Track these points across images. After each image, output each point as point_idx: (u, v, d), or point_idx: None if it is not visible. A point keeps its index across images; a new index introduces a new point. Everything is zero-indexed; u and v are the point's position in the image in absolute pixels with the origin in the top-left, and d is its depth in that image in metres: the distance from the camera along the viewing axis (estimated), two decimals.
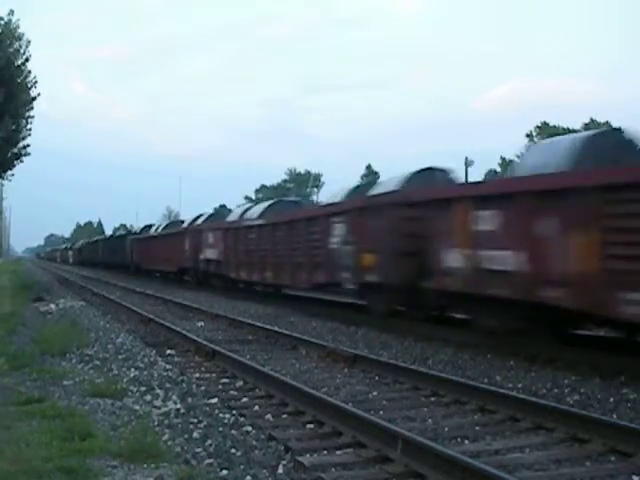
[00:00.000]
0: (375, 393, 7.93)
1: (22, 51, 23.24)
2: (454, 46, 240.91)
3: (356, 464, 5.31)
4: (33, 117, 24.41)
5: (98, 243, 60.91)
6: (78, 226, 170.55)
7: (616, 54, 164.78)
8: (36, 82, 23.95)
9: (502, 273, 9.97)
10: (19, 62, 23.14)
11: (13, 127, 23.41)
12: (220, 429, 6.22)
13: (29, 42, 23.33)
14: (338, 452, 5.62)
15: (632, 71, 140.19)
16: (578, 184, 8.80)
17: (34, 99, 24.05)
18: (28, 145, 24.93)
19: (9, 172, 26.54)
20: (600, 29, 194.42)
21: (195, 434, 6.01)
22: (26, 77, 23.60)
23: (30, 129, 24.50)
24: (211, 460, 5.30)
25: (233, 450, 5.57)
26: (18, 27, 23.03)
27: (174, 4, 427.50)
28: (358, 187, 18.21)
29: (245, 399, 7.66)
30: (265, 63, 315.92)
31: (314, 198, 71.99)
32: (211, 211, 36.24)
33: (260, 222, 21.25)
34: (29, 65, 23.53)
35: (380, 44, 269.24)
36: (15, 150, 24.57)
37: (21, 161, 25.25)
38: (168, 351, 11.01)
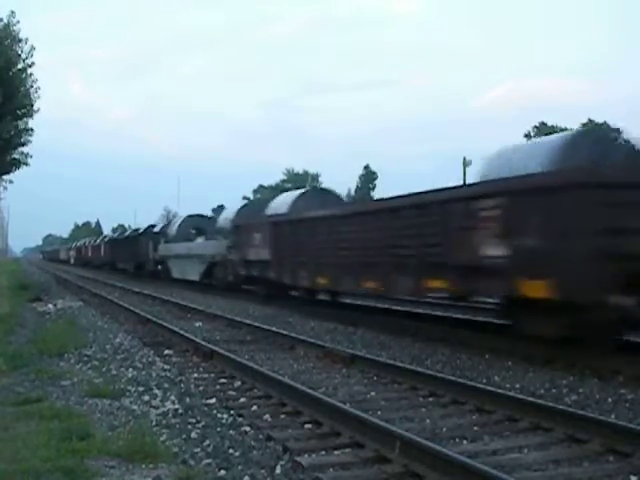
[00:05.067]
0: (373, 393, 7.92)
1: (25, 56, 23.01)
2: (453, 47, 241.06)
3: (354, 464, 5.31)
4: (32, 130, 24.19)
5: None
6: (76, 226, 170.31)
7: (613, 54, 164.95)
8: (39, 87, 23.72)
9: None
10: (20, 65, 22.90)
11: (12, 132, 23.25)
12: (218, 429, 6.22)
13: (33, 48, 23.07)
14: (336, 452, 5.62)
15: (629, 70, 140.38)
16: None
17: (33, 103, 23.78)
18: (30, 155, 24.74)
19: (6, 177, 26.49)
20: (599, 29, 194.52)
21: (193, 434, 6.01)
22: (32, 83, 23.35)
23: (31, 134, 24.28)
24: (209, 460, 5.29)
25: (231, 450, 5.57)
26: (19, 30, 22.79)
27: (173, 4, 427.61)
28: None
29: (243, 399, 7.66)
30: (264, 63, 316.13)
31: None
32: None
33: None
34: (31, 70, 23.25)
35: (379, 45, 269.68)
36: (15, 156, 24.44)
37: (18, 167, 25.11)
38: (166, 351, 11.00)
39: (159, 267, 35.02)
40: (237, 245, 21.94)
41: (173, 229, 33.59)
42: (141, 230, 42.67)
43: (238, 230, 22.15)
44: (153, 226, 40.84)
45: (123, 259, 44.10)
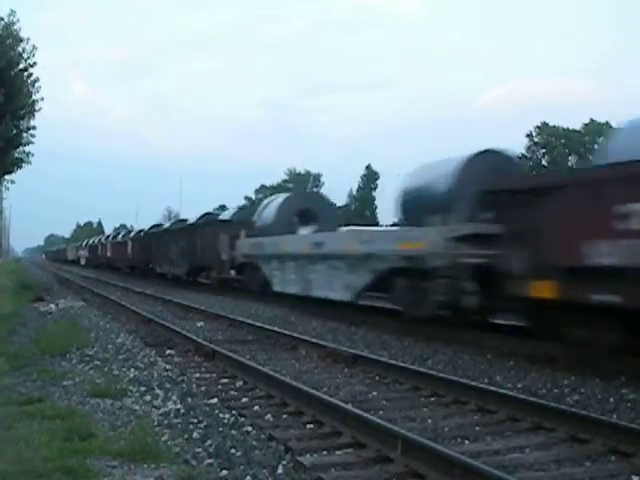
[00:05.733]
0: (375, 393, 7.92)
1: (26, 56, 22.98)
2: (453, 47, 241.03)
3: (356, 464, 5.31)
4: (35, 127, 24.16)
5: None
6: (78, 226, 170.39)
7: (613, 54, 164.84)
8: (40, 87, 23.69)
9: None
10: (22, 66, 22.88)
11: (14, 132, 23.25)
12: (220, 429, 6.22)
13: (35, 47, 23.04)
14: (338, 452, 5.62)
15: (629, 70, 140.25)
16: None
17: (35, 103, 23.74)
18: (31, 154, 24.71)
19: (8, 177, 26.46)
20: (599, 29, 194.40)
21: (195, 434, 6.01)
22: (33, 83, 23.31)
23: (34, 135, 24.23)
24: (211, 460, 5.30)
25: (233, 450, 5.57)
26: (20, 29, 22.76)
27: (175, 5, 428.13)
28: None
29: (245, 399, 7.66)
30: (265, 63, 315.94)
31: None
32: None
33: None
34: (33, 70, 23.19)
35: (379, 45, 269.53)
36: (16, 155, 24.42)
37: (19, 167, 25.11)
38: (168, 351, 11.00)
39: (232, 272, 23.81)
40: (514, 235, 9.79)
41: (268, 214, 20.79)
42: (194, 219, 29.78)
43: (524, 201, 9.75)
44: (209, 213, 29.97)
45: (167, 260, 30.51)
